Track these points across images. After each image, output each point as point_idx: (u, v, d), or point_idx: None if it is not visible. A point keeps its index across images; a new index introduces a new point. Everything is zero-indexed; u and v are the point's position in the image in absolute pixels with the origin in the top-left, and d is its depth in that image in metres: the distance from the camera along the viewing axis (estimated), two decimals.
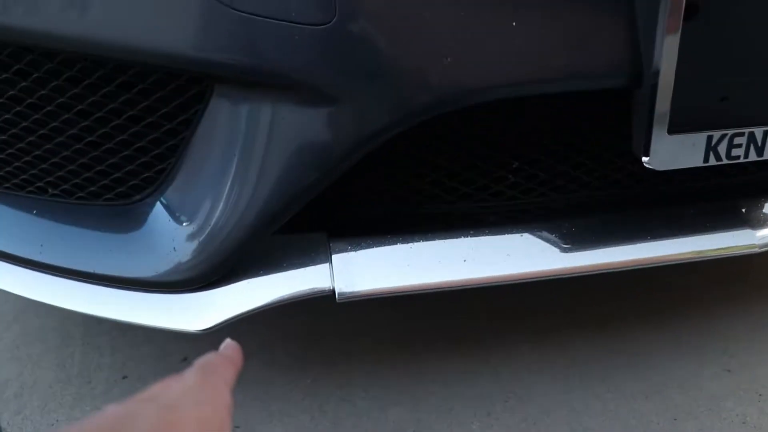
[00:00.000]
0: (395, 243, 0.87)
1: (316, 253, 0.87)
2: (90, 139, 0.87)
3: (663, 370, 1.20)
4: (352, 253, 0.86)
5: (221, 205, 0.82)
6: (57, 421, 1.09)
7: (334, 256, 0.86)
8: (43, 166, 0.91)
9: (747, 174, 1.02)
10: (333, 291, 0.84)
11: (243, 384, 1.15)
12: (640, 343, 1.27)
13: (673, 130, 0.78)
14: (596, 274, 0.90)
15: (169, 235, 0.86)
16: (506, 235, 0.89)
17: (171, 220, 0.86)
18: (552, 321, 1.33)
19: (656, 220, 0.94)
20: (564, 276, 0.88)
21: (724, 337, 1.29)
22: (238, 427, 1.08)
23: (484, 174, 0.90)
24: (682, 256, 0.93)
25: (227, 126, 0.80)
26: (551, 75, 0.76)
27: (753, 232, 0.96)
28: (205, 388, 0.45)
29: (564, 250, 0.89)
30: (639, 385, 1.17)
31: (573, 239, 0.90)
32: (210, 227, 0.82)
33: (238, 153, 0.79)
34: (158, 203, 0.88)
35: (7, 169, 0.93)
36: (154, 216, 0.88)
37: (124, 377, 1.19)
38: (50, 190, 0.94)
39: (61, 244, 0.90)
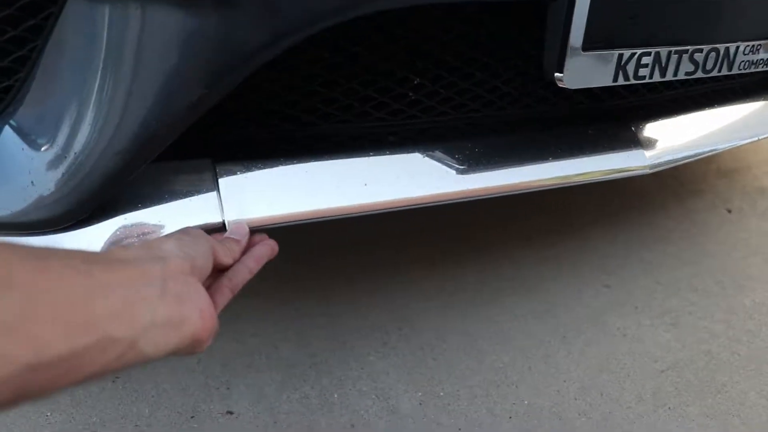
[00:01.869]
0: (289, 167, 0.79)
1: (200, 180, 0.77)
2: None
3: (548, 291, 1.23)
4: (241, 179, 0.77)
5: (87, 128, 0.69)
6: None
7: (221, 183, 0.76)
8: None
9: (637, 96, 1.02)
10: (223, 223, 0.75)
11: None
12: (524, 264, 1.28)
13: (587, 47, 0.75)
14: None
15: (24, 165, 0.72)
16: (407, 155, 0.83)
17: (26, 147, 0.72)
18: (436, 246, 1.31)
19: (555, 140, 0.92)
20: (468, 198, 0.84)
21: (600, 255, 1.33)
22: (117, 377, 0.98)
23: (384, 90, 0.83)
24: (579, 177, 0.91)
25: (89, 33, 0.66)
26: None
27: (644, 153, 0.96)
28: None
29: (466, 171, 0.85)
30: (528, 306, 1.18)
31: (475, 160, 0.86)
32: (75, 154, 0.69)
33: (105, 66, 0.66)
34: (6, 128, 0.74)
35: None
36: (3, 143, 0.74)
37: None
38: None
39: None
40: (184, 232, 0.67)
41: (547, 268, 1.28)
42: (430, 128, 0.87)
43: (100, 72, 0.67)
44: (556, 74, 0.76)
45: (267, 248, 0.76)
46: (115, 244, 0.75)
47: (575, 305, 1.20)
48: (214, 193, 0.76)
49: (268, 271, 1.19)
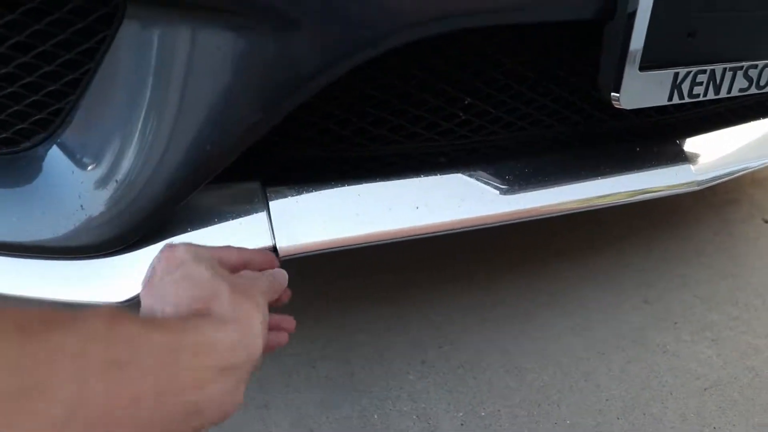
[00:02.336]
0: (340, 189, 0.77)
1: (250, 204, 0.76)
2: None
3: (586, 306, 1.21)
4: (292, 202, 0.76)
5: (139, 151, 0.68)
6: None
7: (272, 207, 0.75)
8: None
9: (683, 110, 1.00)
10: (274, 248, 0.74)
11: None
12: (560, 280, 1.26)
13: (644, 66, 0.73)
14: None
15: (73, 189, 0.71)
16: (458, 177, 0.82)
17: (76, 170, 0.71)
18: (473, 262, 1.29)
19: (604, 158, 0.90)
20: (519, 220, 0.83)
21: (638, 270, 1.31)
22: None
23: (434, 111, 0.81)
24: (628, 195, 0.90)
25: (144, 56, 0.65)
26: (523, 2, 0.68)
27: (691, 168, 0.94)
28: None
29: (517, 191, 0.83)
30: (565, 322, 1.17)
31: (526, 180, 0.84)
32: (127, 178, 0.68)
33: (158, 89, 0.65)
34: (56, 151, 0.72)
35: None
36: (52, 166, 0.72)
37: None
38: None
39: None
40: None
41: (583, 284, 1.26)
42: (479, 148, 0.86)
43: (153, 95, 0.66)
44: (613, 94, 0.75)
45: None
46: None
47: (613, 321, 1.18)
48: (264, 217, 0.75)
49: (304, 289, 1.18)
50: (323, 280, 1.21)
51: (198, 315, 0.48)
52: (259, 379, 1.01)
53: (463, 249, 1.32)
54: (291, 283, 1.14)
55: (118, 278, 0.71)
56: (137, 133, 0.67)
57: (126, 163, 0.68)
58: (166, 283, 0.52)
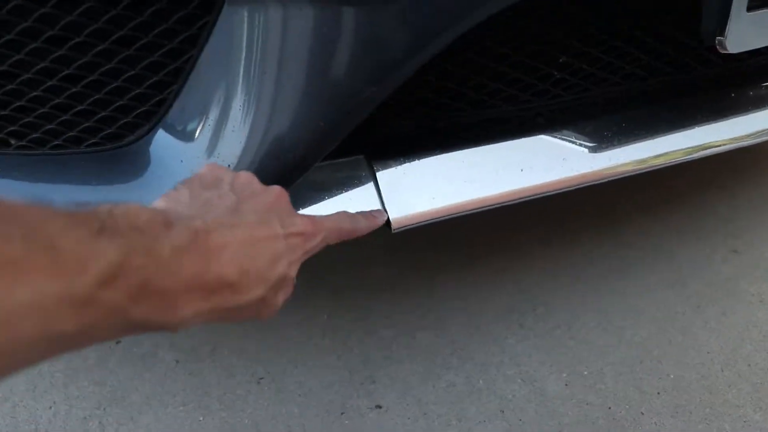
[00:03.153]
0: (443, 157, 0.77)
1: (357, 178, 0.76)
2: (67, 72, 0.70)
3: (675, 260, 1.19)
4: (399, 173, 0.76)
5: (250, 135, 0.68)
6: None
7: (380, 179, 0.75)
8: (4, 112, 0.73)
9: None
10: (386, 220, 0.74)
11: (253, 335, 1.05)
12: (646, 234, 1.25)
13: (752, 5, 0.71)
14: None
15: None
16: (558, 135, 0.81)
17: (185, 160, 0.72)
18: (558, 221, 1.28)
19: (700, 105, 0.88)
20: (623, 175, 0.82)
21: (724, 220, 1.29)
22: (262, 378, 0.98)
23: (530, 72, 0.80)
24: (730, 143, 0.88)
25: (248, 39, 0.65)
26: None
27: None
28: None
29: (618, 146, 0.82)
30: (656, 277, 1.16)
31: (625, 135, 0.83)
32: (238, 161, 0.69)
33: (266, 71, 0.65)
34: (163, 142, 0.73)
35: None
36: (160, 158, 0.73)
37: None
38: (13, 142, 0.76)
39: None
40: None
41: (670, 237, 1.24)
42: (574, 107, 0.85)
43: (261, 77, 0.66)
44: (718, 38, 0.73)
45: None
46: None
47: (705, 273, 1.16)
48: (372, 190, 0.75)
49: (396, 261, 1.18)
50: (413, 251, 1.21)
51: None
52: (359, 353, 1.02)
53: (543, 211, 1.31)
54: (382, 256, 1.15)
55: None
56: (246, 116, 0.68)
57: (235, 148, 0.69)
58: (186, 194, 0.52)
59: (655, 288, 1.13)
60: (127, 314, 0.36)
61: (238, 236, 0.45)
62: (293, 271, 0.52)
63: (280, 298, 0.51)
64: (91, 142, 0.75)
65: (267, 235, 0.48)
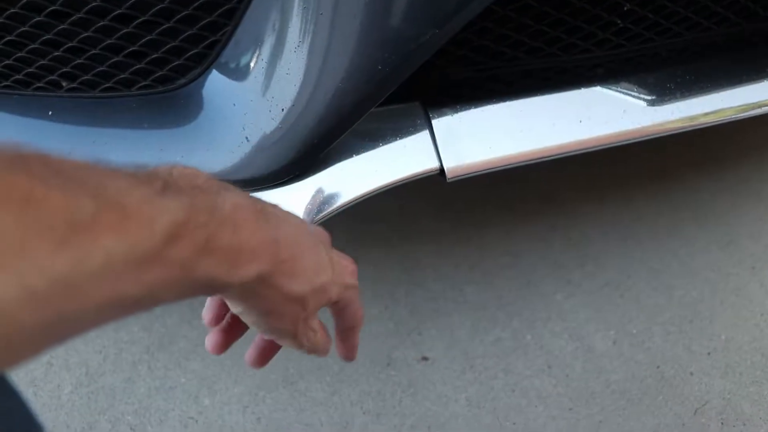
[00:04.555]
0: (501, 105, 0.75)
1: (413, 126, 0.74)
2: (119, 11, 0.69)
3: (729, 220, 1.16)
4: (455, 121, 0.74)
5: (308, 76, 0.66)
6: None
7: (435, 128, 0.73)
8: (56, 53, 0.72)
9: None
10: (441, 169, 0.72)
11: None
12: (699, 192, 1.21)
13: None
14: None
15: (237, 121, 0.70)
16: (618, 87, 0.78)
17: (238, 102, 0.71)
18: (609, 177, 1.25)
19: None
20: (685, 129, 0.79)
21: None
22: None
23: (591, 20, 0.77)
24: None
25: None
26: None
27: None
28: None
29: (681, 99, 0.79)
30: (709, 237, 1.13)
31: (688, 88, 0.80)
32: (295, 105, 0.68)
33: (326, 9, 0.64)
34: (215, 85, 0.72)
35: (7, 61, 0.73)
36: (213, 101, 0.72)
37: None
38: (65, 84, 0.76)
39: (92, 152, 0.73)
40: None
41: (723, 196, 1.21)
42: (635, 57, 0.81)
43: (319, 17, 0.64)
44: None
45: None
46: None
47: (760, 234, 1.13)
48: (428, 138, 0.73)
49: (443, 215, 1.17)
50: (463, 204, 1.20)
51: None
52: (406, 305, 1.02)
53: (591, 165, 1.27)
54: (431, 208, 1.14)
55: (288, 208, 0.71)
56: (303, 58, 0.66)
57: (292, 90, 0.67)
58: None
59: (707, 248, 1.10)
60: (192, 272, 0.35)
61: (292, 223, 0.46)
62: (326, 297, 0.49)
63: (314, 322, 0.51)
64: (142, 84, 0.74)
65: (314, 243, 0.48)
